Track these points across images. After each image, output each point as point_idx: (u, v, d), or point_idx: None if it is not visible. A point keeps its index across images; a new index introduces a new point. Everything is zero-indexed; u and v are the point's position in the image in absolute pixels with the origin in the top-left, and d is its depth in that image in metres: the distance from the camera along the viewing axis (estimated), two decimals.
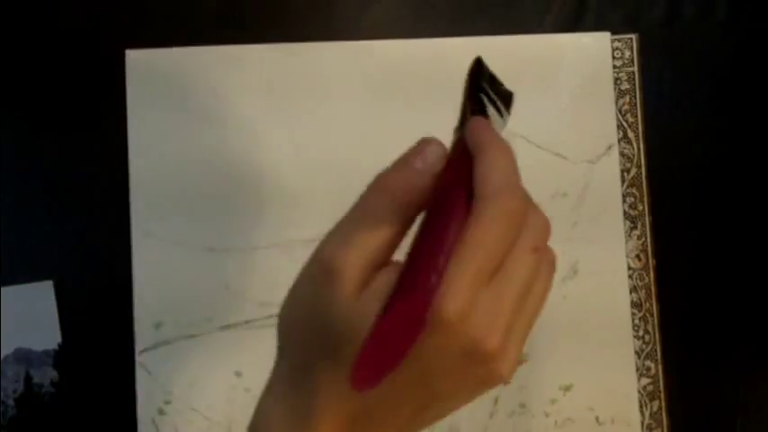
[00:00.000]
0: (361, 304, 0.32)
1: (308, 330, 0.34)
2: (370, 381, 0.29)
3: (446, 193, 0.31)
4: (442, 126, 0.34)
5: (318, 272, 0.33)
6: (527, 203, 0.31)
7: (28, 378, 0.48)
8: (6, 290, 0.49)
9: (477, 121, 0.34)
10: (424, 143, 0.33)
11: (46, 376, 0.48)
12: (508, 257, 0.31)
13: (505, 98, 0.42)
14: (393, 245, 0.33)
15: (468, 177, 0.31)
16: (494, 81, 0.40)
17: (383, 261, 0.32)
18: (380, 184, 0.33)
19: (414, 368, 0.31)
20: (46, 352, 0.48)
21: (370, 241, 0.32)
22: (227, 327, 0.49)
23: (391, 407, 0.33)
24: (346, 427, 0.33)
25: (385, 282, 0.32)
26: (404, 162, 0.33)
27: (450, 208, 0.31)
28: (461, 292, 0.29)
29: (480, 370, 0.32)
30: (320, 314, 0.33)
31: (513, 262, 0.31)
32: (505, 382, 0.33)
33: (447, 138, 0.34)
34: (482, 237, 0.30)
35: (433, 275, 0.29)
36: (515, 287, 0.31)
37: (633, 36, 0.51)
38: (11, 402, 0.48)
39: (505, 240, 0.31)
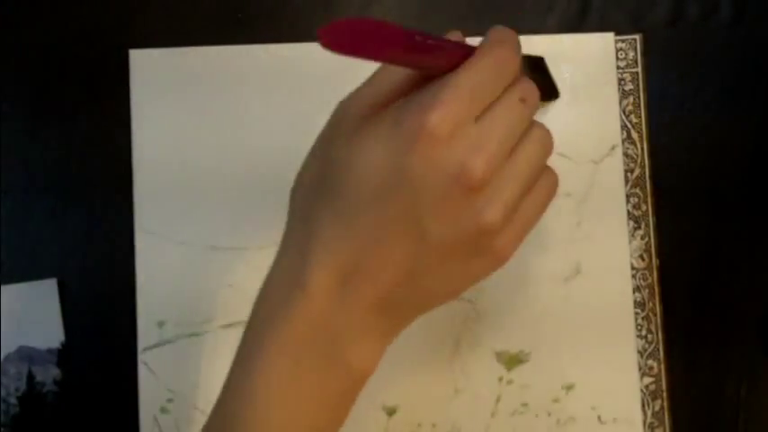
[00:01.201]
0: (359, 131, 0.33)
1: (314, 174, 0.34)
2: (335, 39, 0.28)
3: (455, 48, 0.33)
4: None
5: (331, 120, 0.35)
6: (519, 60, 0.33)
7: (30, 376, 0.48)
8: (9, 288, 0.49)
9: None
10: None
11: (48, 374, 0.48)
12: (497, 102, 0.32)
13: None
14: (399, 91, 0.33)
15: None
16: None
17: (388, 104, 0.33)
18: None
19: (403, 192, 0.31)
20: (49, 350, 0.48)
21: (376, 87, 0.34)
22: (230, 325, 0.49)
23: (382, 251, 0.32)
24: (339, 277, 0.32)
25: (384, 117, 0.32)
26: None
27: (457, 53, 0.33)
28: (449, 107, 0.31)
29: (468, 208, 0.32)
30: (325, 152, 0.34)
31: (501, 105, 0.32)
32: (500, 248, 0.33)
33: None
34: (474, 70, 0.31)
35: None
36: (500, 124, 0.32)
37: (637, 37, 0.51)
38: (13, 401, 0.48)
39: (495, 80, 0.32)
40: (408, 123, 0.31)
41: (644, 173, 0.51)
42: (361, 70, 0.53)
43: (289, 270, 0.34)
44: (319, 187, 0.34)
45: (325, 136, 0.35)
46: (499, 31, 0.34)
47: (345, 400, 0.35)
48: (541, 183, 0.35)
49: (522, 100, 0.33)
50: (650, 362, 0.50)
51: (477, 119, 0.32)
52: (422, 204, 0.31)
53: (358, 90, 0.35)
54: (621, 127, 0.51)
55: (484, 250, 0.33)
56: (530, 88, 0.34)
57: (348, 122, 0.33)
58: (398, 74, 0.33)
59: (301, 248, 0.33)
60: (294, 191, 0.36)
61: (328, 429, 0.35)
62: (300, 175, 0.36)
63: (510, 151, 0.33)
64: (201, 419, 0.48)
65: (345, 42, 0.28)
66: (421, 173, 0.31)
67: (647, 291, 0.50)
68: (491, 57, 0.32)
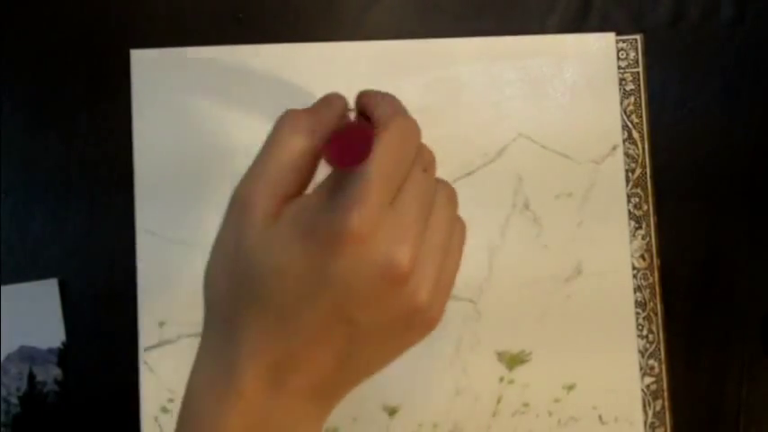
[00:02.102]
0: (272, 232, 0.32)
1: (227, 275, 0.33)
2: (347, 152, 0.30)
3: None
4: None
5: (232, 211, 0.33)
6: (419, 128, 0.33)
7: (31, 376, 0.48)
8: (10, 288, 0.48)
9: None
10: (333, 95, 0.36)
11: (49, 374, 0.48)
12: (405, 180, 0.32)
13: None
14: (303, 178, 0.33)
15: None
16: None
17: (295, 194, 0.33)
18: (291, 120, 0.34)
19: (329, 294, 0.31)
20: (50, 350, 0.48)
21: (280, 173, 0.33)
22: None
23: (313, 348, 0.32)
24: (270, 376, 0.32)
25: (295, 210, 0.32)
26: (317, 105, 0.35)
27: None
28: (367, 204, 0.30)
29: (398, 297, 0.31)
30: (236, 252, 0.33)
31: (409, 182, 0.32)
32: (431, 317, 0.33)
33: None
34: (384, 156, 0.31)
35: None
36: (414, 204, 0.32)
37: (638, 37, 0.51)
38: (14, 401, 0.48)
39: (403, 160, 0.32)
40: (328, 226, 0.30)
41: (645, 173, 0.51)
42: (360, 71, 0.52)
43: (216, 374, 0.33)
44: (237, 289, 0.33)
45: (231, 232, 0.33)
46: (387, 101, 0.35)
47: None
48: (455, 237, 0.34)
49: (425, 170, 0.33)
50: (651, 362, 0.50)
51: (391, 203, 0.31)
52: (351, 302, 0.31)
53: (252, 178, 0.33)
54: (622, 127, 0.51)
55: (417, 324, 0.33)
56: (429, 155, 0.34)
57: (255, 220, 0.32)
58: (291, 157, 0.33)
59: (227, 352, 0.32)
60: (207, 287, 0.34)
61: None
62: (210, 272, 0.34)
63: (425, 222, 0.32)
64: None
65: (352, 153, 0.30)
66: (347, 274, 0.31)
67: (647, 291, 0.50)
68: (396, 136, 0.32)
